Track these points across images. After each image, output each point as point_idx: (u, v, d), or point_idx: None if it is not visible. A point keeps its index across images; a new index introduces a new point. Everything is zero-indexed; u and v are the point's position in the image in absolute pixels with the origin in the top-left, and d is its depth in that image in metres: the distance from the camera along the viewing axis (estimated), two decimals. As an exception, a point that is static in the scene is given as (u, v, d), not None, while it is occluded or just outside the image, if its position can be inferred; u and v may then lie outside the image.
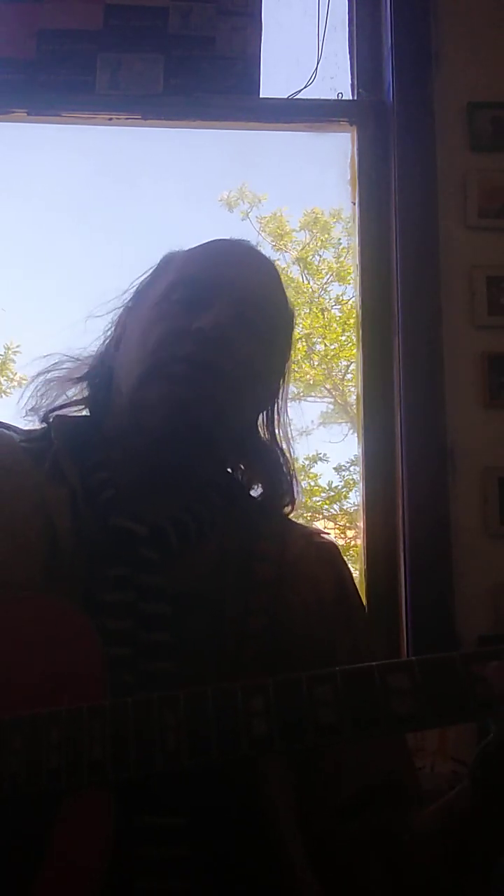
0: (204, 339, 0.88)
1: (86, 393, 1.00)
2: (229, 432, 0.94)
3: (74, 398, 1.00)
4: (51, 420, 0.99)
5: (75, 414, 1.00)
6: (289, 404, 1.05)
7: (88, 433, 0.97)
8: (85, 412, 1.01)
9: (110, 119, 2.03)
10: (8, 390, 7.92)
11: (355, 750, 0.85)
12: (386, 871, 0.82)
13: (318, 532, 1.02)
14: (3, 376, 8.01)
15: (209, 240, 1.02)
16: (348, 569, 1.00)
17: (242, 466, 1.03)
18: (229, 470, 1.03)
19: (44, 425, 0.99)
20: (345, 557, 1.02)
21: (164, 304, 0.93)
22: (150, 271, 1.02)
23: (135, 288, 1.03)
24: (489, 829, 0.76)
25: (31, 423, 1.01)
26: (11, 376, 7.96)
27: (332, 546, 1.01)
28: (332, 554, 0.99)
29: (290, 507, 1.02)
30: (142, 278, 1.03)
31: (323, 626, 0.91)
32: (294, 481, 1.03)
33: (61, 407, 1.00)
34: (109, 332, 1.02)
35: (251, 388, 0.94)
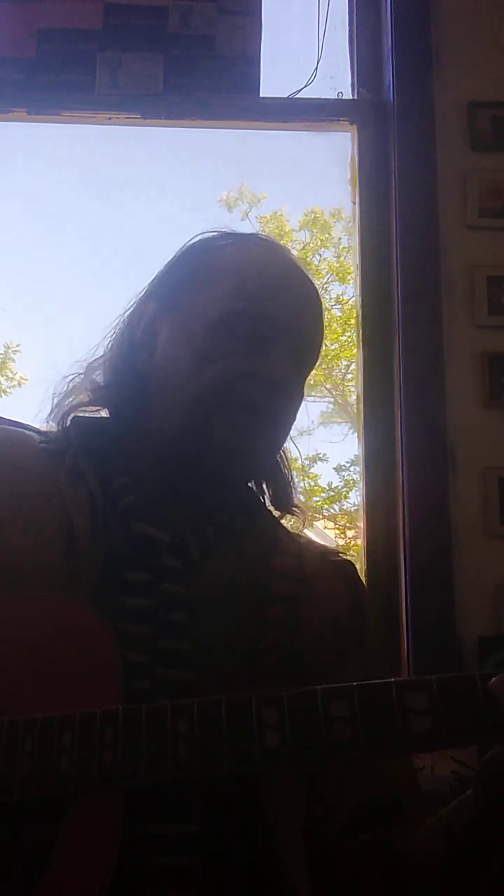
0: (268, 385, 0.88)
1: (104, 392, 0.97)
2: (267, 464, 0.96)
3: (94, 399, 0.97)
4: (69, 421, 0.96)
5: (93, 415, 0.98)
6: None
7: (108, 435, 0.95)
8: (102, 412, 0.98)
9: (110, 118, 2.03)
10: (8, 390, 7.92)
11: (358, 766, 0.85)
12: (385, 886, 0.82)
13: (336, 551, 1.02)
14: (2, 375, 8.01)
15: (255, 242, 0.98)
16: (364, 589, 1.00)
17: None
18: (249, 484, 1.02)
19: (62, 427, 0.97)
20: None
21: (223, 334, 0.89)
22: (182, 268, 0.97)
23: (168, 284, 0.97)
24: (490, 847, 0.74)
25: (50, 426, 0.98)
26: (11, 375, 7.95)
27: (350, 565, 1.00)
28: (349, 573, 0.99)
29: (297, 511, 1.02)
30: (173, 272, 0.98)
31: (334, 644, 0.90)
32: (293, 480, 1.02)
33: (79, 406, 0.97)
34: (131, 325, 0.97)
35: (292, 422, 0.96)
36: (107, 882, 0.67)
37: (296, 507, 1.02)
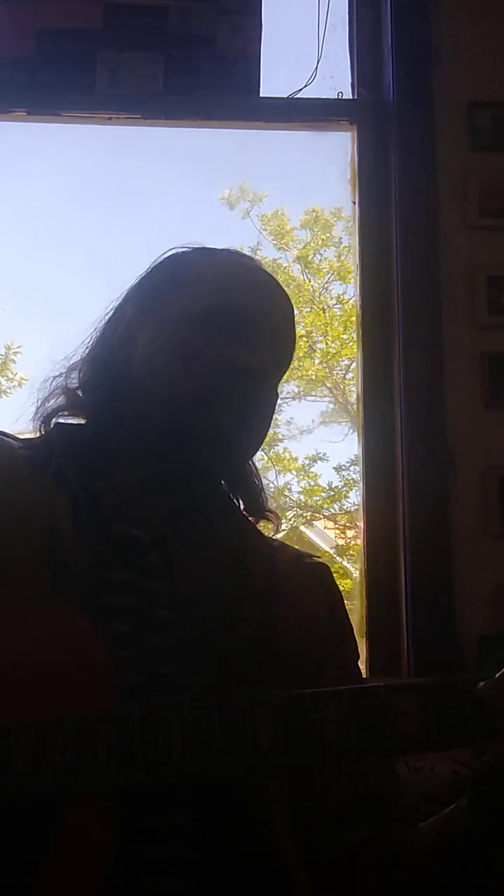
0: (252, 375, 0.90)
1: (83, 394, 0.98)
2: (243, 456, 0.98)
3: (73, 402, 0.98)
4: (50, 427, 0.98)
5: (74, 421, 0.99)
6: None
7: (89, 439, 0.96)
8: (79, 418, 0.99)
9: (110, 118, 2.03)
10: (8, 390, 7.91)
11: (339, 769, 0.86)
12: (380, 888, 0.82)
13: (309, 554, 1.04)
14: (2, 376, 8.01)
15: (226, 252, 1.01)
16: (339, 590, 1.01)
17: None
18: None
19: (42, 433, 0.98)
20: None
21: (206, 328, 0.91)
22: (160, 274, 1.00)
23: (146, 289, 0.99)
24: (485, 847, 0.75)
25: (30, 431, 0.99)
26: (11, 376, 7.95)
27: (324, 567, 1.02)
28: (323, 575, 1.00)
29: (270, 515, 1.04)
30: (151, 278, 1.00)
31: (314, 644, 0.92)
32: (263, 487, 1.04)
33: (58, 410, 0.98)
34: (110, 327, 0.99)
35: (270, 420, 0.98)
36: (103, 882, 0.68)
37: (269, 512, 1.04)
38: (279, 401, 1.01)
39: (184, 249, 1.01)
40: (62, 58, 1.99)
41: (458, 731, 0.69)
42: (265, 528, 1.04)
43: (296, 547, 1.07)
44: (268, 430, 0.97)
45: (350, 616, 1.02)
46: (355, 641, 1.00)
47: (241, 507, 1.03)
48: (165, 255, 1.01)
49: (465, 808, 0.76)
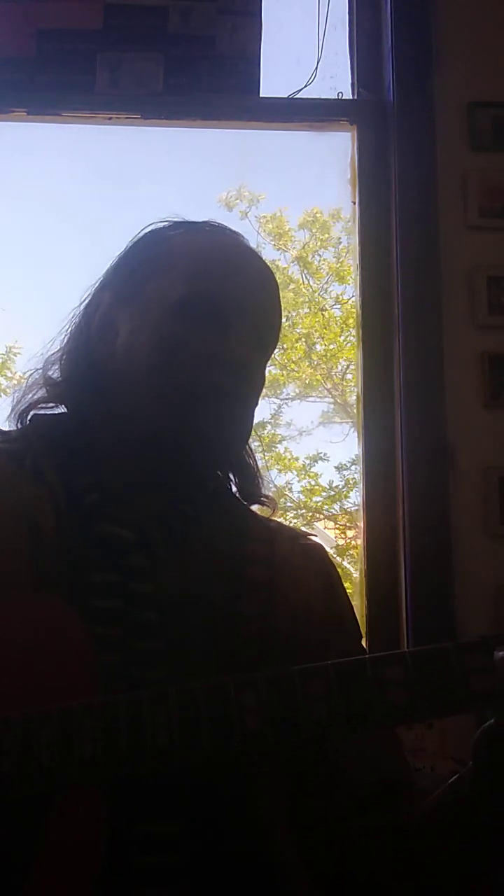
0: (232, 366, 0.87)
1: (62, 387, 0.95)
2: (237, 448, 0.95)
3: (52, 395, 0.95)
4: (29, 420, 0.95)
5: (53, 412, 0.96)
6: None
7: (69, 432, 0.93)
8: (59, 409, 0.96)
9: (110, 118, 2.03)
10: (7, 389, 7.91)
11: (349, 757, 0.84)
12: (390, 873, 0.81)
13: (304, 534, 1.01)
14: (1, 376, 8.01)
15: (207, 228, 0.97)
16: (336, 571, 0.99)
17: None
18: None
19: (20, 425, 0.96)
20: (340, 558, 1.01)
21: (184, 318, 0.88)
22: (136, 256, 0.96)
23: (123, 273, 0.96)
24: (493, 812, 0.75)
25: (12, 425, 0.97)
26: (10, 375, 7.95)
27: (319, 548, 0.99)
28: (319, 556, 0.98)
29: (265, 500, 1.01)
30: (128, 261, 0.96)
31: (314, 630, 0.90)
32: (258, 470, 1.01)
33: (37, 403, 0.95)
34: (87, 316, 0.96)
35: (255, 406, 0.95)
36: (96, 879, 0.67)
37: (264, 497, 1.00)
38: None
39: (162, 224, 0.97)
40: (62, 58, 1.99)
41: (445, 698, 0.69)
42: (261, 511, 1.01)
43: (290, 526, 1.04)
44: (253, 417, 0.94)
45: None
46: (356, 621, 0.98)
47: (236, 490, 1.00)
48: (143, 233, 0.98)
49: (468, 776, 0.76)
